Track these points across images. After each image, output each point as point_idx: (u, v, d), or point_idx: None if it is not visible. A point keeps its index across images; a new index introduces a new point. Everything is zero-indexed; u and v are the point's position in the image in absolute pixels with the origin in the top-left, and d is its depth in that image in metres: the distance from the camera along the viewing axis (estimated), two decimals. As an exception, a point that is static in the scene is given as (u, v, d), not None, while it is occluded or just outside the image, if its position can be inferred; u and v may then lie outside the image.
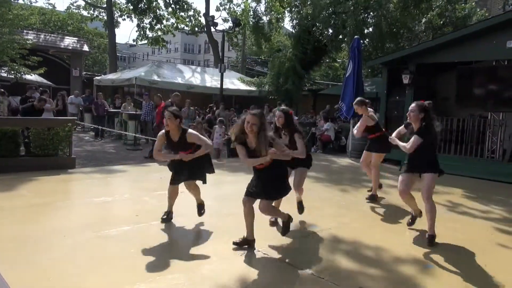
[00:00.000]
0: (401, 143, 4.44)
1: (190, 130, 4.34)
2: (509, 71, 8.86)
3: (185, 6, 24.92)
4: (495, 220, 5.38)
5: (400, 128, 4.70)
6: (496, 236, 4.70)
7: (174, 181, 4.49)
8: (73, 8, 31.31)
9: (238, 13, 22.54)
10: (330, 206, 5.63)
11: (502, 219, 5.45)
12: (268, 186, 3.72)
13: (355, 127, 6.09)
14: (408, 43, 16.35)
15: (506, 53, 8.41)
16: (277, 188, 3.78)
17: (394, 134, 4.69)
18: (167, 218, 4.56)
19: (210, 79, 18.90)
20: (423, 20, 16.53)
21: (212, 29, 20.04)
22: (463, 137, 9.18)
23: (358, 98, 6.04)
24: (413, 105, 4.34)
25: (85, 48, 21.71)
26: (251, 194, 3.78)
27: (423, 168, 4.24)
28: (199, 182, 4.63)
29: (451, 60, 9.41)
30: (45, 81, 16.77)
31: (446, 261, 3.81)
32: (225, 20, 26.32)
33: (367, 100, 6.06)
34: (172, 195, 4.57)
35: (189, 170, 4.39)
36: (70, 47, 20.66)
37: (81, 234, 4.05)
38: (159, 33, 25.69)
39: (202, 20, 24.88)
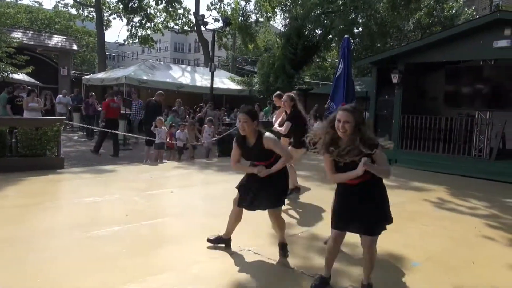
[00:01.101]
0: (278, 128, 5.87)
1: (267, 134, 3.48)
2: (495, 71, 8.99)
3: (175, 3, 24.81)
4: (483, 216, 5.46)
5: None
6: (484, 232, 4.77)
7: (241, 202, 3.64)
8: (61, 6, 30.97)
9: (229, 13, 22.49)
10: (321, 205, 5.66)
11: (490, 215, 5.54)
12: (372, 215, 2.83)
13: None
14: (397, 43, 16.50)
15: (493, 53, 8.54)
16: (382, 216, 2.90)
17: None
18: (226, 245, 3.79)
19: (200, 79, 18.83)
20: (412, 20, 16.70)
21: (202, 28, 19.96)
22: (451, 136, 9.30)
23: (278, 92, 7.05)
24: (285, 96, 5.93)
25: (73, 46, 21.46)
26: (345, 228, 2.92)
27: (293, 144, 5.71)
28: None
29: (439, 60, 9.52)
30: (32, 80, 16.53)
31: (434, 258, 3.86)
32: (215, 20, 26.29)
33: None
34: (236, 219, 3.76)
35: (266, 194, 3.53)
36: (58, 46, 20.40)
37: (70, 234, 4.01)
38: (149, 31, 25.54)
39: (192, 19, 24.79)
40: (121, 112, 12.46)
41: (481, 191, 7.10)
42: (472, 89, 9.18)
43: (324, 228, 4.52)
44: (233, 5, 22.52)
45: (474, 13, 19.10)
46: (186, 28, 26.61)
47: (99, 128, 12.00)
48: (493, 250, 4.23)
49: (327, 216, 5.06)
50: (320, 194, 6.26)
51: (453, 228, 4.91)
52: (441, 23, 17.12)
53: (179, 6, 25.05)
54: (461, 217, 5.46)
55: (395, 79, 9.86)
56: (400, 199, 6.17)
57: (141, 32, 25.43)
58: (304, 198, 6.01)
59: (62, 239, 3.88)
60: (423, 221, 5.12)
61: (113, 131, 10.00)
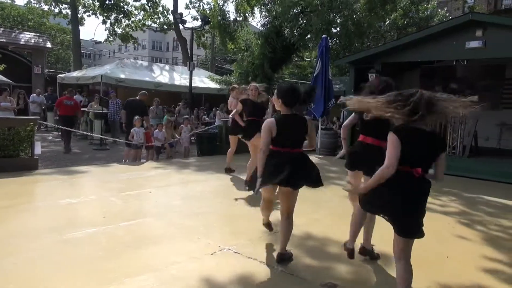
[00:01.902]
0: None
1: None
2: (468, 71, 9.27)
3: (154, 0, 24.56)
4: (457, 213, 5.63)
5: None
6: (458, 228, 4.92)
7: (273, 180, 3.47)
8: (34, 3, 30.09)
9: (208, 12, 22.38)
10: (300, 203, 5.66)
11: (463, 212, 5.71)
12: None
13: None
14: (374, 43, 16.77)
15: (465, 53, 8.79)
16: None
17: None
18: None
19: (179, 78, 18.66)
20: (388, 21, 17.00)
21: (181, 26, 19.79)
22: (426, 134, 9.52)
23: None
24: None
25: (47, 44, 20.89)
26: None
27: None
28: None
29: (414, 60, 9.74)
30: (4, 78, 16.01)
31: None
32: (194, 18, 26.13)
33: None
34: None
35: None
36: (31, 43, 19.82)
37: (45, 237, 3.92)
38: (127, 29, 25.18)
39: (171, 17, 24.56)
40: (99, 111, 12.24)
41: (455, 188, 7.29)
42: (445, 88, 9.41)
43: (312, 226, 4.57)
44: (212, 4, 22.43)
45: (447, 14, 19.62)
46: (164, 26, 26.33)
47: (80, 131, 12.03)
48: (466, 246, 4.36)
49: (314, 214, 5.11)
50: (299, 192, 6.32)
51: (428, 225, 4.99)
52: (416, 24, 17.50)
53: (157, 1, 24.75)
54: (436, 213, 5.60)
55: (372, 79, 10.02)
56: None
57: (119, 30, 25.05)
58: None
59: (37, 242, 3.78)
60: (399, 218, 5.22)
61: (66, 128, 10.27)
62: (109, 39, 25.36)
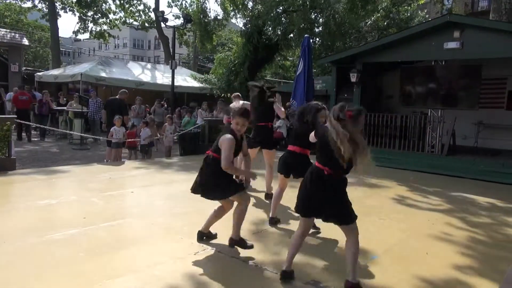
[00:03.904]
0: None
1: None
2: (446, 71, 9.47)
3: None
4: (435, 209, 5.75)
5: None
6: (436, 224, 5.02)
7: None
8: (11, -1, 29.37)
9: (190, 10, 22.21)
10: (281, 201, 5.72)
11: (442, 208, 5.84)
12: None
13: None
14: (356, 43, 16.97)
15: (443, 54, 8.99)
16: None
17: None
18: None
19: (161, 76, 18.51)
20: (369, 22, 17.24)
21: (162, 24, 19.58)
22: (406, 133, 9.70)
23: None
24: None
25: (24, 41, 20.36)
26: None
27: None
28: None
29: (395, 60, 9.90)
30: (-21, 77, 15.59)
31: (391, 250, 4.02)
32: (176, 17, 25.86)
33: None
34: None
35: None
36: (6, 40, 19.28)
37: (23, 239, 3.83)
38: (105, 27, 24.79)
39: (152, 15, 24.29)
40: (79, 110, 12.02)
41: (434, 186, 7.46)
42: (425, 88, 9.62)
43: (291, 225, 4.59)
44: (194, 1, 22.24)
45: (427, 16, 20.02)
46: (146, 24, 26.05)
47: (60, 129, 12.00)
48: (445, 242, 4.45)
49: (285, 212, 5.14)
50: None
51: (408, 221, 5.13)
52: (397, 25, 17.80)
53: (138, 2, 24.47)
54: (416, 210, 5.72)
55: (353, 78, 10.14)
56: (357, 194, 6.36)
57: (95, 28, 24.64)
58: (261, 195, 6.05)
59: (15, 244, 3.69)
60: (380, 215, 5.31)
61: (23, 122, 11.15)
62: (80, 32, 24.97)
